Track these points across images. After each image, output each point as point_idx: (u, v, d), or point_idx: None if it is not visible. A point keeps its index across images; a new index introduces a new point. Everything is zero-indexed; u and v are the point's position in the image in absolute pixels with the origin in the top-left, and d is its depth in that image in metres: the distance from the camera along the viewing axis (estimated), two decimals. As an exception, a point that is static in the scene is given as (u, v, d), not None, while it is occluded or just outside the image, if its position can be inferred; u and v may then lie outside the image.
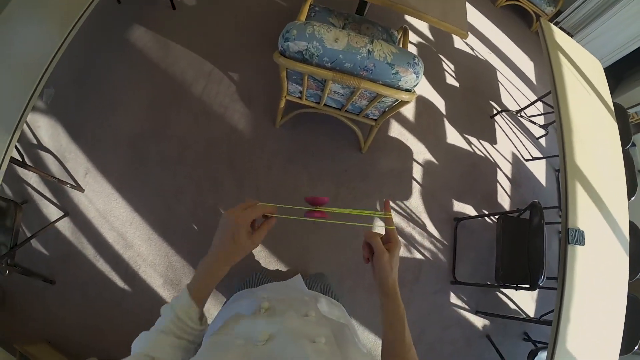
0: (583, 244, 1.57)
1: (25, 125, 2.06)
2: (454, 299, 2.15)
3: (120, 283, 1.90)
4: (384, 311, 0.63)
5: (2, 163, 1.34)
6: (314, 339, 0.48)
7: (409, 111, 2.49)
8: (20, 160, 1.93)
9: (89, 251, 1.95)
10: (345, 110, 1.91)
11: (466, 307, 2.15)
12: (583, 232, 1.58)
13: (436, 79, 2.61)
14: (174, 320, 0.56)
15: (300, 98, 1.91)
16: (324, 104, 1.90)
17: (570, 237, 1.56)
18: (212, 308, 1.86)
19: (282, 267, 2.01)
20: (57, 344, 1.82)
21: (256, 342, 0.48)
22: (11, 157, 1.41)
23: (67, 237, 1.96)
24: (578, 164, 1.76)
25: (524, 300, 2.24)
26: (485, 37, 3.16)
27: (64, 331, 1.85)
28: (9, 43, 1.47)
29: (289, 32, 1.43)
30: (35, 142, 2.09)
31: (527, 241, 1.72)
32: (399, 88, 1.51)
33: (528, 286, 1.64)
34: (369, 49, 1.42)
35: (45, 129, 2.11)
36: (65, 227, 1.97)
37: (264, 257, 2.01)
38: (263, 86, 2.37)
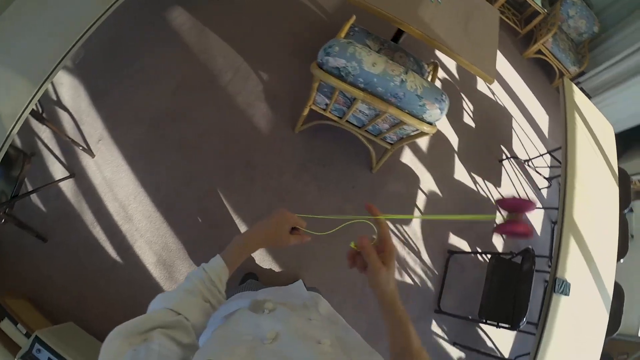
0: (568, 295, 1.72)
1: (48, 80, 2.17)
2: (435, 327, 2.29)
3: (112, 253, 1.97)
4: (387, 322, 0.64)
5: (23, 114, 1.42)
6: (319, 340, 0.52)
7: (423, 141, 2.68)
8: (39, 113, 2.01)
9: (88, 216, 2.02)
10: (365, 130, 2.07)
11: (445, 337, 2.29)
12: (569, 284, 1.74)
13: (454, 116, 2.81)
14: (204, 281, 0.60)
15: (324, 110, 2.07)
16: (346, 120, 2.06)
17: (557, 286, 1.72)
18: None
19: (276, 268, 2.13)
20: (38, 303, 1.85)
21: (263, 339, 0.51)
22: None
23: (68, 198, 2.02)
24: (575, 219, 1.93)
25: (502, 340, 2.40)
26: (508, 84, 3.40)
27: (47, 291, 1.89)
28: (56, 4, 1.56)
29: (332, 47, 1.58)
30: (55, 98, 2.16)
31: (515, 284, 1.88)
32: (422, 119, 1.68)
33: (509, 326, 1.80)
34: (402, 79, 1.58)
35: (68, 88, 2.20)
36: (68, 188, 2.03)
37: (258, 254, 2.11)
38: (289, 91, 2.52)
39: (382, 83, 1.58)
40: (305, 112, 2.16)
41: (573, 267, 1.82)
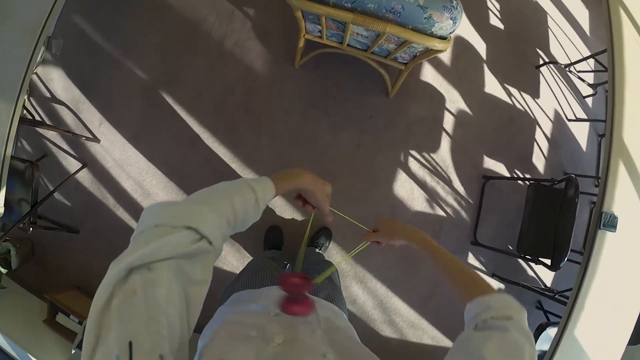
0: (614, 231, 1.45)
1: (38, 80, 2.05)
2: (472, 259, 2.12)
3: (140, 230, 1.97)
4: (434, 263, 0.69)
5: (12, 126, 1.33)
6: (324, 354, 0.47)
7: (444, 53, 2.19)
8: (33, 119, 1.96)
9: (109, 200, 2.02)
10: (372, 52, 1.71)
11: (483, 269, 2.12)
12: (617, 218, 1.45)
13: (478, 19, 2.27)
14: (251, 194, 0.53)
15: (320, 38, 1.73)
16: (348, 45, 1.72)
17: (603, 220, 1.44)
18: (231, 256, 1.96)
19: (298, 217, 2.03)
20: (86, 289, 1.97)
21: (269, 341, 0.47)
22: (23, 118, 1.39)
23: (87, 187, 2.02)
24: (625, 140, 1.53)
25: (544, 269, 2.17)
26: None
27: (91, 277, 1.98)
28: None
29: (302, -36, 1.24)
30: (48, 95, 2.06)
31: (557, 215, 1.59)
32: (431, 35, 1.32)
33: (549, 264, 1.58)
34: (396, -14, 1.21)
35: (58, 81, 2.07)
36: (84, 178, 2.02)
37: (279, 205, 2.01)
38: (281, 22, 2.14)
39: (373, -3, 1.22)
40: (301, 43, 1.83)
41: (622, 198, 1.49)
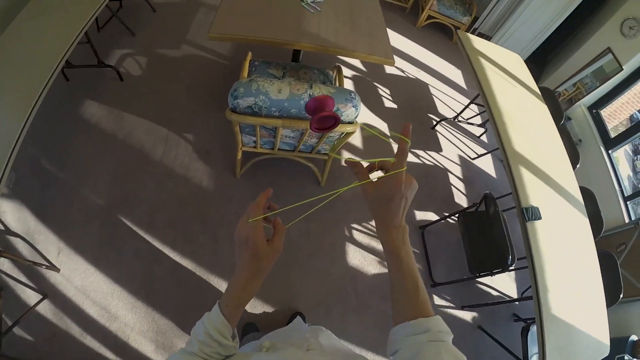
0: (540, 218, 1.75)
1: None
2: (438, 300, 2.34)
3: (111, 356, 1.91)
4: (394, 271, 0.57)
5: None
6: (307, 348, 0.54)
7: (356, 139, 2.78)
8: None
9: (74, 330, 1.96)
10: (299, 151, 2.14)
11: (452, 305, 2.33)
12: (537, 208, 1.77)
13: (375, 105, 2.93)
14: (206, 338, 0.54)
15: (255, 147, 2.13)
16: (278, 149, 2.13)
17: (526, 215, 1.74)
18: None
19: (269, 309, 2.12)
20: None
21: None
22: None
23: (49, 319, 1.97)
24: (517, 150, 2.01)
25: (504, 284, 2.47)
26: (412, 57, 3.58)
27: None
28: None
29: (237, 90, 1.65)
30: (2, 227, 2.12)
31: (490, 230, 1.94)
32: (342, 122, 1.76)
33: (501, 270, 1.83)
34: (309, 94, 1.66)
35: (11, 214, 2.16)
36: (46, 309, 1.98)
37: (249, 304, 2.11)
38: (218, 142, 2.58)
39: (294, 104, 1.66)
40: (239, 155, 2.21)
41: (535, 192, 1.85)
